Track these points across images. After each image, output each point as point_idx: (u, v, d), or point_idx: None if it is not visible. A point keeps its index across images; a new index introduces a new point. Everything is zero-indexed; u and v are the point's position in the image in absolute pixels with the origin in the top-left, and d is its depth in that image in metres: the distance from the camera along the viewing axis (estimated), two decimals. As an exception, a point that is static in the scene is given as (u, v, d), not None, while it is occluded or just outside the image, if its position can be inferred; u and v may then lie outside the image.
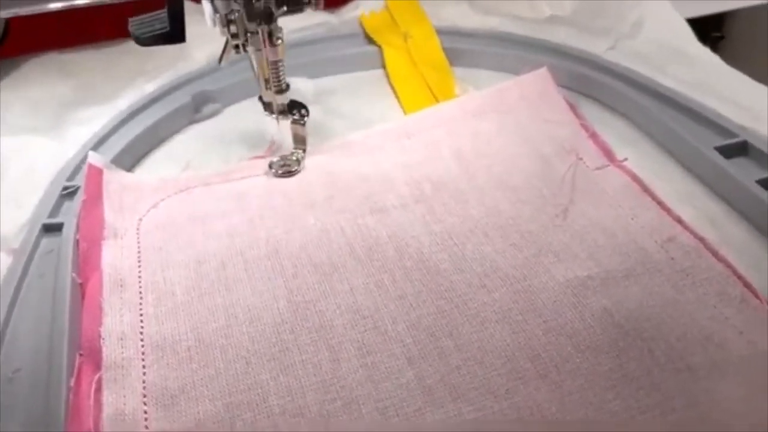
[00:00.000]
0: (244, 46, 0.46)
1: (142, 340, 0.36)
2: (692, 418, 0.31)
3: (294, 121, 0.49)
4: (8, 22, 0.64)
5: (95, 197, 0.45)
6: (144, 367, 0.35)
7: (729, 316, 0.35)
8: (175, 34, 0.43)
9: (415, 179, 0.47)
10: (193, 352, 0.35)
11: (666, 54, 0.58)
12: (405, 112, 0.55)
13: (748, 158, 0.46)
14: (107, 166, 0.48)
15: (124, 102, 0.57)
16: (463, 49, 0.61)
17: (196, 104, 0.57)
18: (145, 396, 0.33)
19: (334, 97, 0.54)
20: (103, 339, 0.36)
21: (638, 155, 0.48)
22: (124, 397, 0.33)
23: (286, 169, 0.49)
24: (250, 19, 0.44)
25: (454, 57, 0.60)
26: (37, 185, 0.48)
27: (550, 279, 0.38)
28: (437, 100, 0.56)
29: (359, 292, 0.38)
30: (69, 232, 0.43)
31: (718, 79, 0.54)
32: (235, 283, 0.39)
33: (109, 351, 0.35)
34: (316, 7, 0.46)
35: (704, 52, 0.58)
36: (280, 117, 0.49)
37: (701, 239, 0.40)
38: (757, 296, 0.36)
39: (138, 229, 0.44)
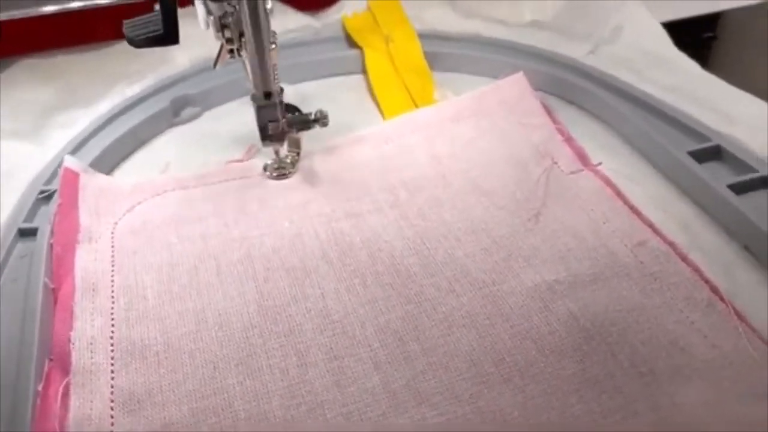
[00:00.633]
0: (238, 50, 0.46)
1: (112, 344, 0.36)
2: (654, 421, 0.31)
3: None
4: None
5: (71, 201, 0.46)
6: (113, 371, 0.35)
7: (695, 320, 0.36)
8: (168, 35, 0.43)
9: (391, 184, 0.47)
10: (162, 356, 0.36)
11: (645, 59, 0.59)
12: (384, 118, 0.56)
13: (721, 162, 0.46)
14: (84, 170, 0.48)
15: (106, 106, 0.57)
16: (443, 53, 0.61)
17: (175, 108, 0.57)
18: (112, 401, 0.34)
19: (314, 102, 0.54)
20: (73, 344, 0.36)
21: (613, 159, 0.48)
22: (91, 402, 0.33)
23: (281, 171, 0.49)
24: (264, 139, 0.47)
25: (434, 61, 0.60)
26: (16, 189, 0.49)
27: (518, 283, 0.38)
28: (416, 106, 0.56)
29: (330, 296, 0.39)
30: (43, 236, 0.43)
31: (696, 84, 0.54)
32: (207, 287, 0.40)
33: (78, 356, 0.35)
34: (322, 125, 0.48)
35: (682, 58, 0.58)
36: None
37: (671, 244, 0.40)
38: (723, 300, 0.36)
39: (113, 233, 0.44)
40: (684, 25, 0.68)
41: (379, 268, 0.40)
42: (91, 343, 0.36)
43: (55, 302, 0.39)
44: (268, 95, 0.45)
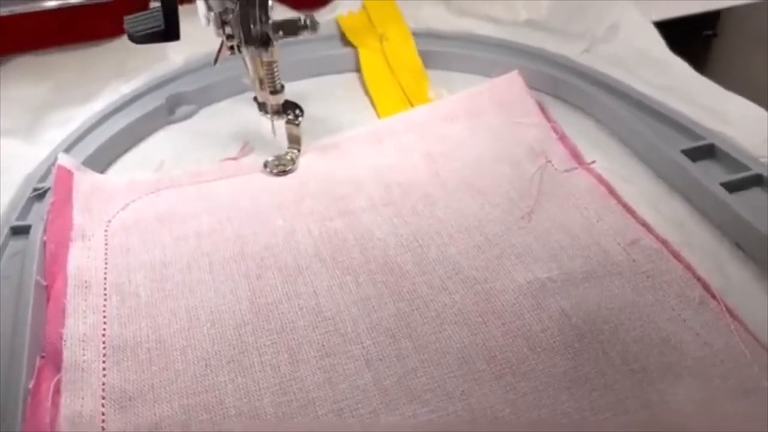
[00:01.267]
0: (238, 46, 0.46)
1: (104, 342, 0.36)
2: (644, 419, 0.31)
3: (288, 121, 0.50)
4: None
5: (64, 199, 0.46)
6: (104, 369, 0.35)
7: (687, 318, 0.36)
8: (170, 31, 0.43)
9: (385, 183, 0.47)
10: (154, 354, 0.36)
11: (640, 58, 0.59)
12: (379, 117, 0.56)
13: (714, 161, 0.46)
14: (78, 168, 0.48)
15: (101, 104, 0.57)
16: (438, 51, 0.61)
17: (170, 105, 0.57)
18: (103, 398, 0.34)
19: (308, 100, 0.54)
20: (65, 341, 0.36)
21: (607, 157, 0.48)
22: (83, 399, 0.33)
23: (281, 168, 0.49)
24: (248, 43, 0.45)
25: (429, 59, 0.60)
26: (9, 187, 0.48)
27: (511, 281, 0.38)
28: (411, 105, 0.56)
29: (322, 294, 0.39)
30: (36, 234, 0.43)
31: (691, 84, 0.54)
32: (199, 285, 0.40)
33: (70, 353, 0.35)
34: (312, 31, 0.46)
35: (675, 58, 0.58)
36: (275, 117, 0.50)
37: (664, 242, 0.40)
38: (715, 298, 0.36)
39: (106, 230, 0.44)
40: (684, 22, 0.68)
41: (371, 265, 0.40)
42: (83, 341, 0.36)
43: (48, 300, 0.39)
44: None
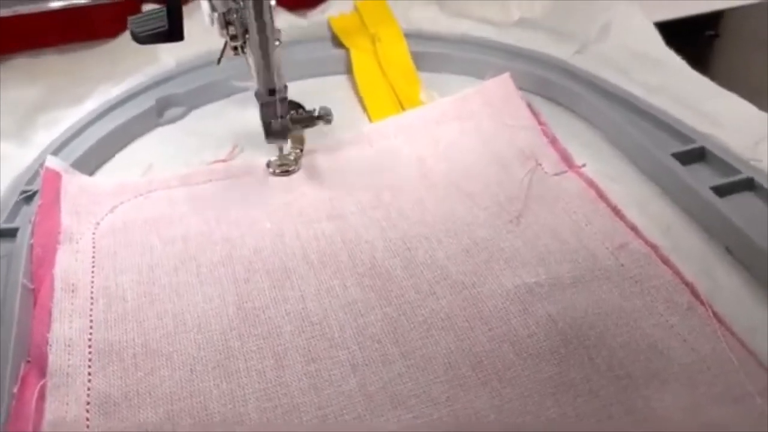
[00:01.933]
0: (242, 47, 0.46)
1: (89, 346, 0.36)
2: (628, 425, 0.31)
3: (297, 120, 0.49)
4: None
5: (52, 201, 0.45)
6: (89, 374, 0.35)
7: (674, 323, 0.35)
8: (173, 32, 0.43)
9: (375, 186, 0.47)
10: (139, 359, 0.35)
11: (632, 58, 0.58)
12: (371, 119, 0.55)
13: (705, 164, 0.46)
14: (66, 170, 0.48)
15: (91, 105, 0.57)
16: (429, 53, 0.61)
17: (160, 107, 0.56)
18: (88, 403, 0.33)
19: (300, 101, 0.54)
20: (51, 345, 0.36)
21: (598, 160, 0.48)
22: (67, 404, 0.33)
23: (284, 168, 0.49)
24: (268, 135, 0.46)
25: (421, 61, 0.60)
26: (-2, 190, 0.48)
27: (498, 286, 0.38)
28: (402, 108, 0.56)
29: (310, 298, 0.38)
30: (23, 237, 0.43)
31: (683, 84, 0.54)
32: (187, 289, 0.39)
33: (56, 357, 0.35)
34: (326, 122, 0.48)
35: (671, 57, 0.58)
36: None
37: (653, 246, 0.40)
38: (703, 304, 0.36)
39: (94, 233, 0.44)
40: (685, 23, 0.68)
41: (359, 269, 0.40)
42: (69, 345, 0.36)
43: (35, 303, 0.39)
44: (272, 92, 0.45)
